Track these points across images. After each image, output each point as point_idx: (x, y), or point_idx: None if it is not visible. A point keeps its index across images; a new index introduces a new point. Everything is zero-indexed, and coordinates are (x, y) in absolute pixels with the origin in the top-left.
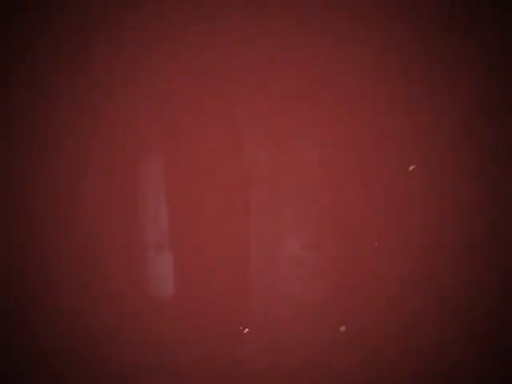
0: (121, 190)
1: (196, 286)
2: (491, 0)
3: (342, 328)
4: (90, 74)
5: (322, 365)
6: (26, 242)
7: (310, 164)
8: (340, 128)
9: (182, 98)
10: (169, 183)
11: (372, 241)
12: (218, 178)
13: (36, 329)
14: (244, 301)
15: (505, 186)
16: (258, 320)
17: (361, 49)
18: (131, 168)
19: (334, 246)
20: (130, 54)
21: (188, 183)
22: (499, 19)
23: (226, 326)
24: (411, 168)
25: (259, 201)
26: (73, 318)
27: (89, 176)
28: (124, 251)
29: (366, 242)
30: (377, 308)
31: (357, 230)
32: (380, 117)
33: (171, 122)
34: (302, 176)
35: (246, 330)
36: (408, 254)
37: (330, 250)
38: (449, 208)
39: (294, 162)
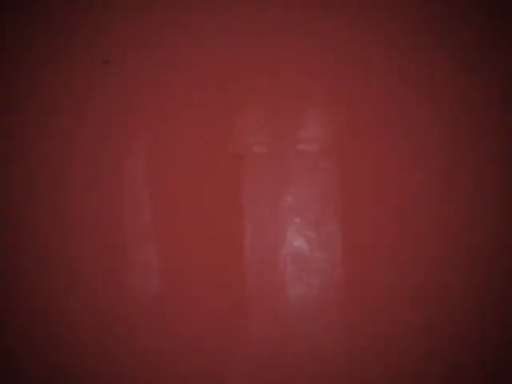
0: (105, 185)
1: (185, 285)
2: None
3: None
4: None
5: (329, 373)
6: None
7: (315, 153)
8: (347, 118)
9: (167, 89)
10: (155, 177)
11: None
12: (210, 168)
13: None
14: (238, 303)
15: None
16: (254, 322)
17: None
18: (116, 163)
19: (340, 244)
20: (111, 50)
21: (176, 176)
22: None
23: (218, 330)
24: None
25: (254, 193)
26: (51, 317)
27: (71, 173)
28: (107, 246)
29: (376, 242)
30: (386, 309)
31: (366, 228)
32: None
33: (156, 115)
34: (305, 166)
35: None
36: (419, 255)
37: (336, 247)
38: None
39: (295, 151)
